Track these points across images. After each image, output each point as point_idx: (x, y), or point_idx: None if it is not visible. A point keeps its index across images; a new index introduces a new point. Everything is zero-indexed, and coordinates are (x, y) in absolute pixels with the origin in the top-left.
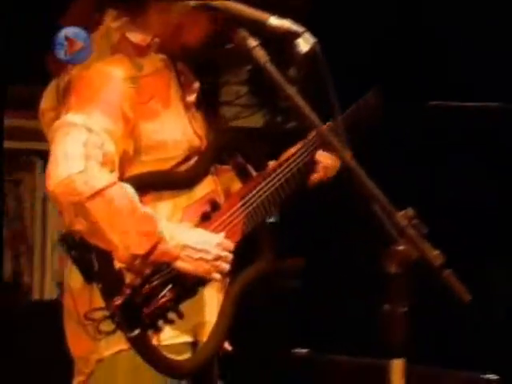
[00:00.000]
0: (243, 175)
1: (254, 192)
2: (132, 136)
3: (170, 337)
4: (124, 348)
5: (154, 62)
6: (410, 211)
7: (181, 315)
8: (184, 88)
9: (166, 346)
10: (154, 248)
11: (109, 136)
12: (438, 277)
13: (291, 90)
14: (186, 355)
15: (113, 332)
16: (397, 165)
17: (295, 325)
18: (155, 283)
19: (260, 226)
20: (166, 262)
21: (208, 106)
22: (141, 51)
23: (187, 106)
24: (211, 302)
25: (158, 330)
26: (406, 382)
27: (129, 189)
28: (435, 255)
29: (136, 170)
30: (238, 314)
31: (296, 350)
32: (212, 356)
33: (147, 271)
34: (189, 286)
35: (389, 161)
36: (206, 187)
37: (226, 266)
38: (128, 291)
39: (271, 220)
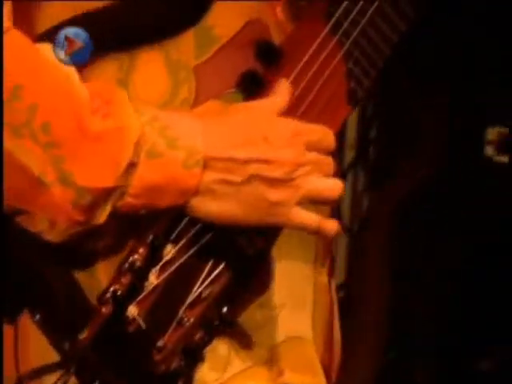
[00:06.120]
0: None
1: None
2: None
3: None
4: None
5: None
6: None
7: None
8: None
9: None
10: (128, 171)
11: None
12: None
13: None
14: None
15: None
16: None
17: None
18: (169, 278)
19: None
20: (176, 214)
21: None
22: None
23: None
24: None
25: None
26: None
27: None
28: None
29: (54, 11)
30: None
31: None
32: None
33: (142, 250)
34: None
35: None
36: (234, 17)
37: (336, 185)
38: (105, 308)
39: None
